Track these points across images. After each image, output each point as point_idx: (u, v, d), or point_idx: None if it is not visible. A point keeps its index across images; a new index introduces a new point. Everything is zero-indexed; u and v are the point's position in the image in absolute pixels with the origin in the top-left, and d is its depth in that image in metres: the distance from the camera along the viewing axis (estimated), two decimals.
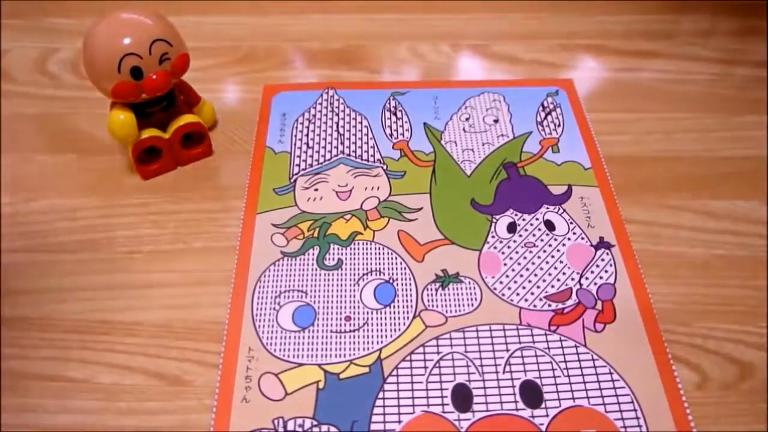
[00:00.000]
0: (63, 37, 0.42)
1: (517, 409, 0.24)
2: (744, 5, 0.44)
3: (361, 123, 0.35)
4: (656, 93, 0.38)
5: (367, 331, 0.26)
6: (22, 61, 0.40)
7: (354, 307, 0.27)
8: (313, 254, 0.29)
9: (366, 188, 0.32)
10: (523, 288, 0.28)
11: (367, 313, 0.27)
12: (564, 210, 0.31)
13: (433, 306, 0.27)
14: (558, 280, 0.28)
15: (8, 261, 0.30)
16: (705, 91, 0.38)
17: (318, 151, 0.34)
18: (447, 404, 0.24)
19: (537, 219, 0.30)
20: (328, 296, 0.27)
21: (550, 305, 0.27)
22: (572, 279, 0.28)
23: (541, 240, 0.30)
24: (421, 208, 0.31)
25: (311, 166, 0.33)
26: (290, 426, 0.24)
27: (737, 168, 0.33)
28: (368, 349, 0.26)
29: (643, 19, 0.44)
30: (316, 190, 0.32)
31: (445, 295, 0.28)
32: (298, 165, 0.33)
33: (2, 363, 0.26)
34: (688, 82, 0.39)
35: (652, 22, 0.44)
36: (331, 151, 0.34)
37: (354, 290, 0.28)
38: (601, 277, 0.28)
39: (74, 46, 0.41)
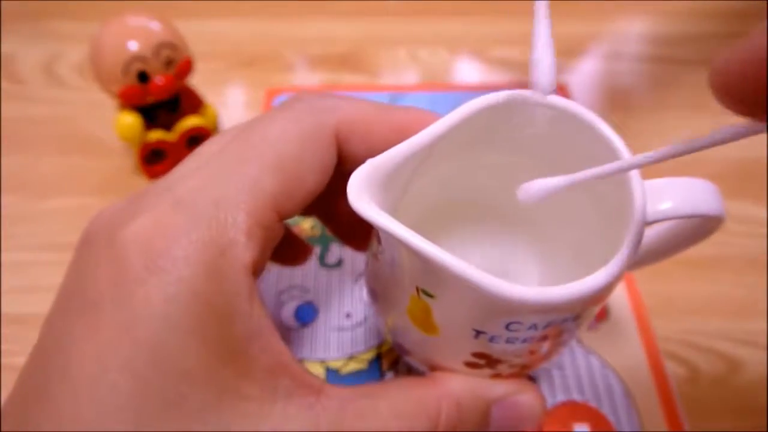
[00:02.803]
0: (69, 41, 0.43)
1: None
2: (744, 5, 0.44)
3: None
4: (653, 94, 0.39)
5: (367, 327, 0.27)
6: (29, 64, 0.41)
7: (354, 305, 0.28)
8: (315, 253, 0.30)
9: None
10: None
11: (367, 310, 0.28)
12: None
13: None
14: None
15: (15, 259, 0.30)
16: (703, 92, 0.39)
17: None
18: None
19: None
20: (329, 294, 0.28)
21: None
22: None
23: None
24: None
25: None
26: None
27: (732, 168, 0.34)
28: (368, 345, 0.27)
29: (639, 22, 0.45)
30: None
31: None
32: None
33: (3, 359, 0.27)
34: (685, 82, 0.39)
35: (649, 24, 0.45)
36: None
37: (354, 288, 0.28)
38: None
39: (80, 49, 0.42)
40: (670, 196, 0.16)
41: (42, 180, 0.34)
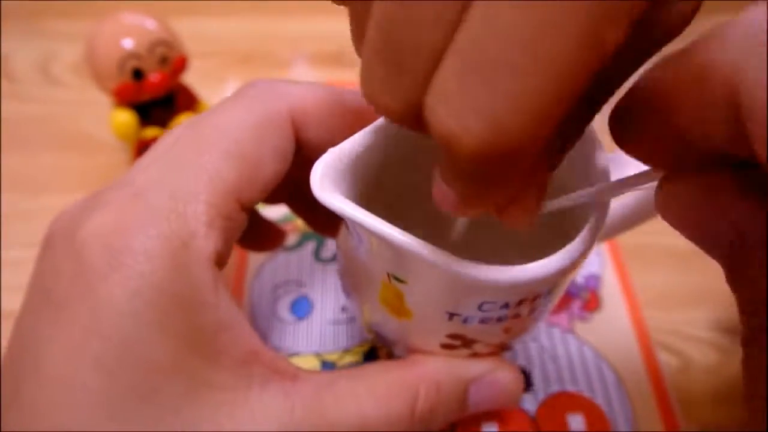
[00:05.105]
0: (64, 40, 0.43)
1: None
2: (743, 4, 0.45)
3: None
4: None
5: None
6: (25, 63, 0.41)
7: None
8: (309, 248, 0.30)
9: None
10: None
11: None
12: None
13: None
14: None
15: (13, 257, 0.30)
16: None
17: None
18: None
19: None
20: (324, 288, 0.28)
21: None
22: None
23: None
24: None
25: None
26: None
27: None
28: (363, 337, 0.27)
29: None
30: None
31: None
32: None
33: (3, 354, 0.27)
34: None
35: None
36: None
37: None
38: (587, 268, 0.29)
39: (75, 48, 0.42)
40: (634, 166, 0.17)
41: (39, 178, 0.34)
